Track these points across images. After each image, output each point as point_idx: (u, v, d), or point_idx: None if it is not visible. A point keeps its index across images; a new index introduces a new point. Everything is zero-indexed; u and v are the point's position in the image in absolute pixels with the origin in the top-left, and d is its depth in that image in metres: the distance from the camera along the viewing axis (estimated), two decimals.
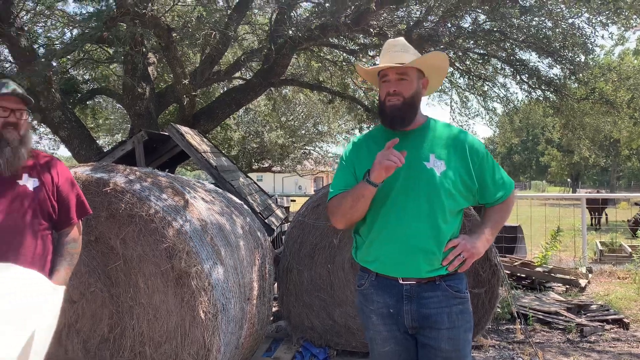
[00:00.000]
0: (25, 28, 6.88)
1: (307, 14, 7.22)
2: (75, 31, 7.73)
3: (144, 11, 5.19)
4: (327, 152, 20.72)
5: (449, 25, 6.45)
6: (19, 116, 2.29)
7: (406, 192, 2.00)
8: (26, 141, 2.31)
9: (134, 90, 6.83)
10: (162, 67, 8.90)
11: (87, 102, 8.88)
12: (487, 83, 8.33)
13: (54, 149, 11.79)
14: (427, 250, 1.97)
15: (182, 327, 2.83)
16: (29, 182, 2.29)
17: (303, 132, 16.98)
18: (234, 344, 3.16)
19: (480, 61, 7.40)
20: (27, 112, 2.34)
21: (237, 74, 8.79)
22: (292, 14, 6.67)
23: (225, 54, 8.23)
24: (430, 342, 2.01)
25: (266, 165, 18.58)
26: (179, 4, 7.32)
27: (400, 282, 2.02)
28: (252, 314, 3.44)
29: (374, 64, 7.76)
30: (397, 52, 2.04)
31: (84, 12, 8.03)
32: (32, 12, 7.28)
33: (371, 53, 7.64)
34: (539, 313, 5.25)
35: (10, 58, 8.03)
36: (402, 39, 2.16)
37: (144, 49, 6.30)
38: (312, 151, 20.26)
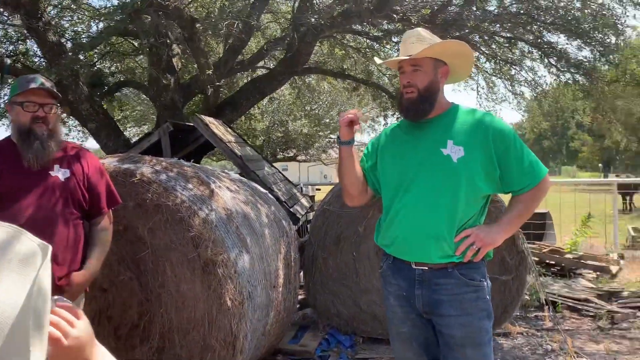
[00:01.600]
0: (53, 22, 7.01)
1: (330, 1, 7.17)
2: (101, 24, 7.86)
3: (167, 2, 5.23)
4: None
5: (474, 8, 6.33)
6: (48, 110, 2.34)
7: (421, 178, 2.02)
8: (55, 134, 2.37)
9: (159, 81, 6.91)
10: (186, 58, 8.97)
11: (114, 95, 9.01)
12: (514, 67, 8.16)
13: (82, 141, 12.02)
14: (438, 237, 1.97)
15: (210, 315, 2.88)
16: (59, 173, 2.35)
17: (327, 120, 16.94)
18: (261, 330, 3.21)
19: (506, 45, 7.24)
20: (56, 105, 2.40)
21: (260, 63, 8.81)
22: (314, 1, 6.63)
23: (248, 43, 8.25)
24: (442, 329, 2.04)
25: (291, 154, 18.62)
26: None
27: (413, 266, 2.05)
28: (278, 301, 3.47)
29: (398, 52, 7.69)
30: (412, 43, 2.04)
31: (109, 5, 8.14)
32: (59, 6, 7.40)
33: (395, 39, 7.55)
34: (569, 300, 5.17)
35: (39, 52, 8.22)
36: (419, 29, 2.17)
37: (168, 41, 6.36)
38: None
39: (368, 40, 8.13)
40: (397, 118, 9.30)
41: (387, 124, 11.00)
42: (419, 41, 2.04)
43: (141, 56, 8.91)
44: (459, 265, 2.00)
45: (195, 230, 2.90)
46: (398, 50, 8.09)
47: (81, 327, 0.83)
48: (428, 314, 2.06)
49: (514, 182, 2.04)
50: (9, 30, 7.73)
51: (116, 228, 2.98)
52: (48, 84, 2.36)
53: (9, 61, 6.77)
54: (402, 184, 2.06)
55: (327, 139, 19.00)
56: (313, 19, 5.29)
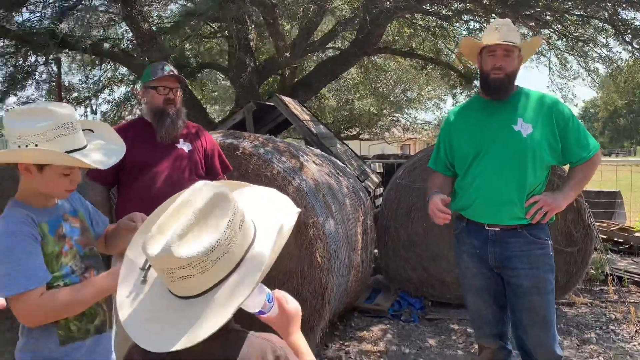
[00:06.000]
0: (144, 10, 7.64)
1: None
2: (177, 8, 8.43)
3: None
4: (416, 118, 20.67)
5: None
6: (175, 93, 2.82)
7: (494, 150, 2.37)
8: (181, 114, 2.84)
9: (240, 63, 7.41)
10: (261, 41, 9.44)
11: (196, 75, 9.65)
12: (587, 45, 8.06)
13: None
14: (510, 202, 2.31)
15: (302, 269, 3.33)
16: (184, 146, 2.84)
17: (392, 98, 17.06)
18: (343, 286, 3.64)
19: (579, 23, 7.20)
20: (180, 89, 2.87)
21: (330, 44, 9.15)
22: None
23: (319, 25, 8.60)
24: (511, 280, 2.38)
25: (354, 132, 18.89)
26: None
27: (486, 228, 2.39)
28: (357, 262, 3.89)
29: (470, 35, 7.80)
30: (506, 31, 2.35)
31: None
32: None
33: (465, 18, 7.66)
34: (635, 275, 5.29)
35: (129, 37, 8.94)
36: (507, 20, 2.47)
37: (251, 26, 6.81)
38: (400, 118, 20.29)
39: (438, 20, 8.26)
40: (467, 97, 9.40)
41: (456, 102, 11.08)
42: (513, 31, 2.38)
43: (219, 39, 9.47)
44: (527, 226, 2.34)
45: (289, 197, 3.33)
46: (468, 29, 8.19)
47: (294, 305, 1.24)
48: (499, 269, 2.41)
49: (573, 154, 2.37)
50: (103, 18, 8.47)
51: None
52: (175, 71, 2.83)
53: (107, 46, 7.46)
54: (477, 155, 2.41)
55: (390, 117, 19.14)
56: (388, 3, 5.56)
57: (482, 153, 2.39)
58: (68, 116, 1.51)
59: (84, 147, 1.56)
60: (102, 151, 1.60)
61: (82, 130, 1.60)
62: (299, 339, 1.24)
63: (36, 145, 1.45)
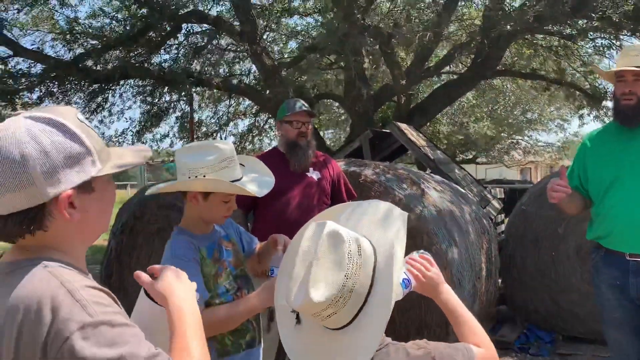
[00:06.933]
0: (267, 47, 8.21)
1: (519, 1, 7.19)
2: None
3: (368, 23, 5.87)
4: (537, 141, 19.64)
5: None
6: (307, 127, 3.03)
7: (634, 177, 2.26)
8: (312, 145, 3.04)
9: (356, 93, 7.64)
10: (376, 69, 9.66)
11: (315, 106, 10.08)
12: None
13: None
14: None
15: (426, 298, 3.33)
16: (314, 175, 3.03)
17: (511, 120, 16.41)
18: None
19: None
20: (311, 122, 3.08)
21: (446, 69, 9.11)
22: (504, 6, 6.74)
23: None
24: None
25: (470, 156, 18.38)
26: (392, 9, 7.93)
27: (627, 257, 2.27)
28: (481, 292, 3.80)
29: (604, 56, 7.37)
30: (635, 55, 2.26)
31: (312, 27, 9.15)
32: (266, 29, 8.56)
33: (591, 36, 7.27)
34: None
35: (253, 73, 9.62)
36: (639, 44, 2.38)
37: (369, 57, 7.02)
38: (520, 140, 19.40)
39: (561, 39, 7.92)
40: (595, 118, 8.82)
41: (583, 124, 10.43)
42: None
43: (335, 69, 9.85)
44: None
45: (411, 223, 3.39)
46: (594, 47, 7.74)
47: (434, 270, 1.34)
48: None
49: None
50: (229, 55, 9.22)
51: None
52: (306, 107, 3.05)
53: (234, 81, 8.10)
54: (615, 182, 2.30)
55: (509, 140, 18.38)
56: (509, 26, 5.47)
57: (620, 179, 2.29)
58: (230, 151, 1.74)
59: (241, 178, 1.77)
60: (256, 182, 1.80)
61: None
62: (449, 294, 1.38)
63: (204, 176, 1.68)
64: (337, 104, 11.48)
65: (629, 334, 2.33)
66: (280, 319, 1.31)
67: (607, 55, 7.75)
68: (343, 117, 12.57)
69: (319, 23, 8.33)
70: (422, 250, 1.42)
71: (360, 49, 6.38)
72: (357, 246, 1.16)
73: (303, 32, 8.66)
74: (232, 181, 1.73)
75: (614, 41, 6.65)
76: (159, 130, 10.39)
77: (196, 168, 1.69)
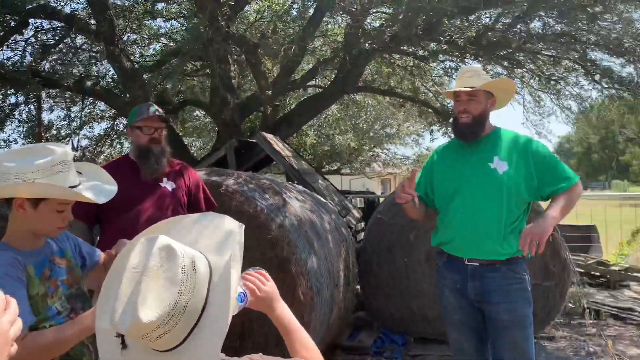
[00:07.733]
0: (127, 48, 7.74)
1: (378, 22, 7.62)
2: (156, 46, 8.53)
3: (233, 31, 5.81)
4: (395, 154, 20.94)
5: (519, 29, 6.65)
6: (160, 133, 2.87)
7: (472, 187, 2.46)
8: (165, 153, 2.88)
9: (222, 101, 7.51)
10: (243, 78, 9.60)
11: (178, 113, 9.72)
12: (559, 82, 8.37)
13: None
14: (488, 237, 2.39)
15: None
16: (168, 185, 2.87)
17: (372, 134, 17.32)
18: (326, 324, 3.64)
19: (551, 63, 7.50)
20: (165, 128, 2.92)
21: (311, 82, 9.34)
22: (364, 25, 7.09)
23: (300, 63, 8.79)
24: (491, 314, 2.44)
25: (335, 167, 19.05)
26: (258, 19, 7.95)
27: (466, 262, 2.46)
28: (339, 299, 3.90)
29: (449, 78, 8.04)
30: (469, 77, 2.48)
31: (175, 29, 8.83)
32: (127, 28, 8.09)
33: (441, 58, 7.92)
34: (612, 309, 5.38)
35: (111, 75, 9.01)
36: (475, 65, 2.63)
37: (234, 65, 6.94)
38: (380, 153, 20.53)
39: (415, 60, 8.52)
40: (444, 134, 9.61)
41: (434, 139, 11.31)
42: (476, 75, 2.52)
43: (201, 76, 9.61)
44: (505, 261, 2.42)
45: (272, 233, 3.37)
46: (444, 69, 8.45)
47: (270, 284, 1.31)
48: (479, 303, 2.46)
49: (551, 186, 2.43)
50: (83, 55, 8.55)
51: None
52: (160, 111, 2.89)
53: (89, 83, 7.52)
54: (455, 193, 2.50)
55: (370, 153, 19.38)
56: (367, 44, 5.74)
57: (460, 190, 2.49)
58: (64, 154, 1.55)
59: (78, 185, 1.59)
60: (95, 189, 1.63)
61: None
62: (284, 310, 1.37)
63: (33, 181, 1.48)
64: (203, 112, 11.22)
65: (468, 334, 2.53)
66: (102, 346, 1.18)
67: (454, 77, 8.51)
68: (210, 126, 12.29)
69: (183, 27, 8.07)
70: (257, 267, 1.39)
71: (226, 56, 6.28)
72: (192, 261, 1.08)
73: (167, 35, 8.32)
74: (68, 187, 1.55)
75: (460, 63, 7.30)
76: (1, 135, 9.31)
77: (24, 172, 1.48)
